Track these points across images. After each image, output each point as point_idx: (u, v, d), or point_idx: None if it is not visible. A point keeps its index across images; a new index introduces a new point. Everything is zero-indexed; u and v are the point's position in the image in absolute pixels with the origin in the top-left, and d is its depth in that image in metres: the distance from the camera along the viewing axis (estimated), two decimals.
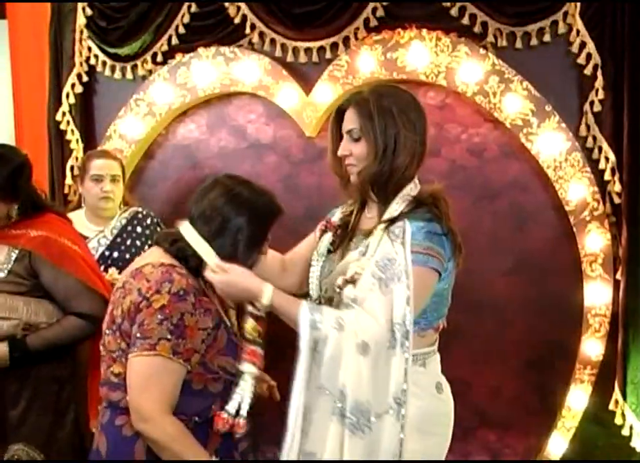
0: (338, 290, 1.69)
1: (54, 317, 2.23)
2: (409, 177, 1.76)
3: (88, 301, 2.21)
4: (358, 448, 1.56)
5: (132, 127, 3.31)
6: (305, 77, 3.07)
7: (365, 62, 2.94)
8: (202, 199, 1.70)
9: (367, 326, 1.59)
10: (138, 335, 1.58)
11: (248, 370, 1.66)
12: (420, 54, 2.87)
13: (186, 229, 1.69)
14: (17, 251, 2.20)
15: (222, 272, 1.64)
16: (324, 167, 3.01)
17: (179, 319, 1.57)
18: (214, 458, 1.61)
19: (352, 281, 1.66)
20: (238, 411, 1.64)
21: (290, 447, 1.60)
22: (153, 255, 1.70)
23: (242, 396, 1.65)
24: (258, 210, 1.70)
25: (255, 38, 3.09)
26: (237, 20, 3.09)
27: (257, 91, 3.12)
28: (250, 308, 1.69)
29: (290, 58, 3.06)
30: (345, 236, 1.86)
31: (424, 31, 2.87)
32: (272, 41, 3.07)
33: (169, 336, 1.56)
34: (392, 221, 1.70)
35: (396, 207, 1.73)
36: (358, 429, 1.55)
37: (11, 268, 2.19)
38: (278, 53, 3.07)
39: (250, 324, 1.68)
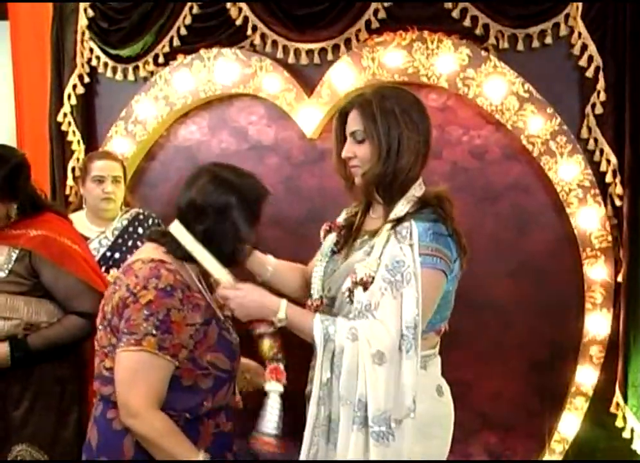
0: (347, 293, 1.70)
1: (56, 317, 2.23)
2: (414, 177, 1.76)
3: (89, 300, 2.19)
4: (385, 456, 1.58)
5: (133, 129, 3.31)
6: (306, 79, 3.07)
7: (367, 63, 2.93)
8: (189, 188, 1.71)
9: (381, 335, 1.60)
10: (125, 330, 1.59)
11: (273, 388, 1.67)
12: (421, 56, 2.87)
13: (182, 235, 1.68)
14: (17, 251, 2.20)
15: (235, 291, 1.66)
16: (325, 169, 3.04)
17: (165, 314, 1.57)
18: (202, 455, 1.60)
19: (361, 283, 1.66)
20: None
21: (307, 456, 1.63)
22: (146, 251, 1.71)
23: (271, 414, 1.65)
24: (247, 192, 1.71)
25: (257, 40, 3.09)
26: (239, 22, 3.09)
27: (258, 93, 3.12)
28: (260, 330, 1.70)
29: (291, 59, 3.06)
30: (349, 236, 1.86)
31: (425, 33, 2.87)
32: (274, 43, 3.07)
33: (154, 332, 1.56)
34: (398, 221, 1.70)
35: (402, 207, 1.73)
36: (383, 438, 1.57)
37: (12, 268, 2.19)
38: (280, 54, 3.07)
39: (266, 344, 1.70)
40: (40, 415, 2.23)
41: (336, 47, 2.99)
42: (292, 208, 3.13)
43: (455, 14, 2.83)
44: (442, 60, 2.85)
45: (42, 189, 2.46)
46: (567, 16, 2.75)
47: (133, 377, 1.57)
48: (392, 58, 2.90)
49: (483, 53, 2.82)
